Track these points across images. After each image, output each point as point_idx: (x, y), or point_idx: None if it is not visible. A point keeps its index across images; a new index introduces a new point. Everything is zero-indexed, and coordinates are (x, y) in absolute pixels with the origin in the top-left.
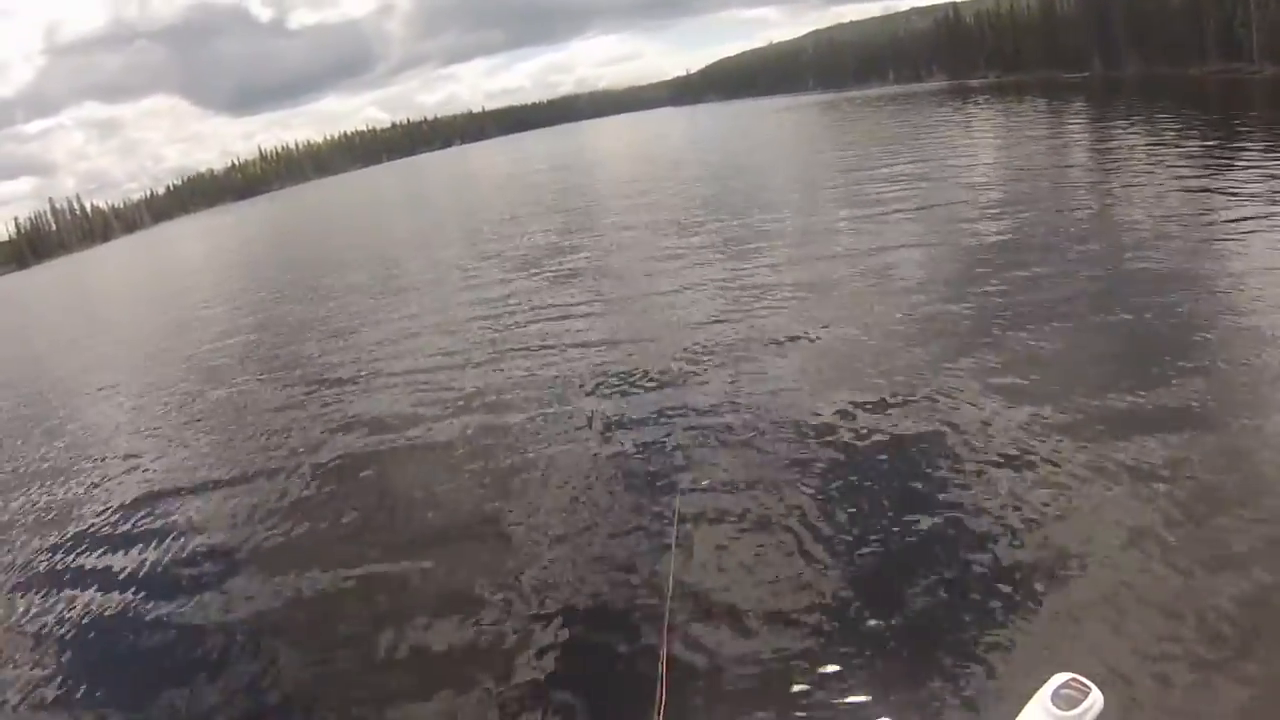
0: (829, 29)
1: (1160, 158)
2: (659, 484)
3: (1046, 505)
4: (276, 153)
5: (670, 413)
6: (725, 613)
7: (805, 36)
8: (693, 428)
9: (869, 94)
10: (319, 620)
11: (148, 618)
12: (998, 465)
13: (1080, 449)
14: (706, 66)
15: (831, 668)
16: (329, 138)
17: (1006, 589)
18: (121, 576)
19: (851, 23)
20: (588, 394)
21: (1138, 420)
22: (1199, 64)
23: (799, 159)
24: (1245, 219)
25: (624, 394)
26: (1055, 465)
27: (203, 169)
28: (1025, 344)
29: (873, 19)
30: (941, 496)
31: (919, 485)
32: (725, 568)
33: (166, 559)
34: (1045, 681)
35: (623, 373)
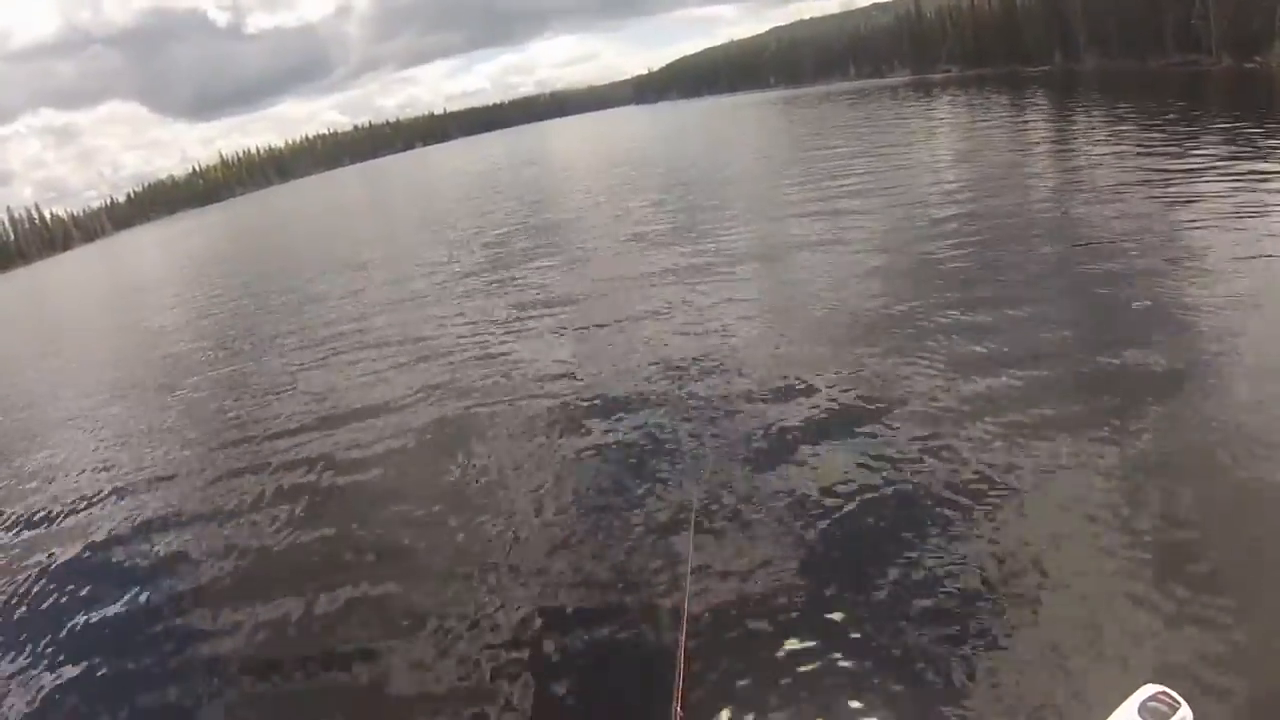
0: (790, 25)
1: (1117, 145)
2: (673, 483)
3: (1105, 508)
4: (238, 158)
5: (674, 409)
6: (747, 609)
7: (766, 34)
8: (700, 424)
9: (831, 89)
10: (318, 627)
11: (112, 643)
12: (1055, 468)
13: (1142, 452)
14: (668, 65)
15: (881, 673)
16: (290, 142)
17: (1085, 591)
18: (81, 597)
19: (812, 19)
20: (586, 396)
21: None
22: (1158, 57)
23: (760, 150)
24: (1200, 199)
25: (630, 390)
26: (1119, 465)
27: (163, 175)
28: (1024, 335)
29: (834, 16)
30: (984, 495)
31: (959, 482)
32: (747, 564)
33: (131, 580)
34: (1131, 693)
35: (621, 370)
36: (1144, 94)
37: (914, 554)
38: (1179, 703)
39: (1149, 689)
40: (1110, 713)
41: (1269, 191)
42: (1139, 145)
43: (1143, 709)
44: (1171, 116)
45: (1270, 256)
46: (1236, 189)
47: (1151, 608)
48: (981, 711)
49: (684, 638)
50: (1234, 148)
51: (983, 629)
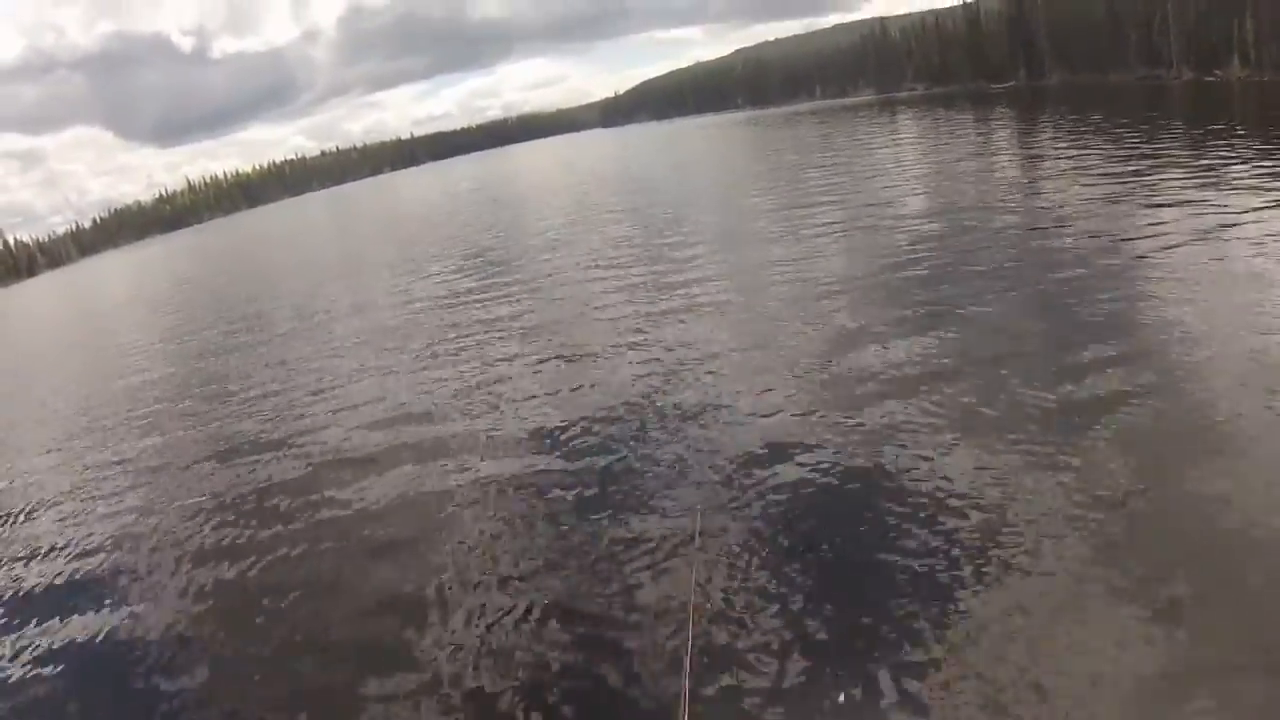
0: (756, 47)
1: (1081, 154)
2: (673, 501)
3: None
4: (205, 183)
5: (665, 427)
6: (753, 623)
7: (732, 55)
8: (696, 444)
9: (798, 109)
10: (319, 650)
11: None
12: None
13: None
14: (635, 87)
15: (908, 694)
16: (257, 167)
17: (1136, 614)
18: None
19: (777, 40)
20: (575, 417)
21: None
22: (1120, 71)
23: (727, 170)
24: (1163, 209)
25: (620, 410)
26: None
27: (129, 201)
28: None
29: (799, 36)
30: (1002, 503)
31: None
32: (752, 577)
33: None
34: None
35: (600, 398)
36: (1107, 107)
37: (935, 568)
38: None
39: None
40: None
41: (1228, 195)
42: (1102, 154)
43: None
44: (1134, 128)
45: (1227, 256)
46: (1197, 194)
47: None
48: None
49: (690, 652)
50: (1195, 155)
51: (1023, 647)
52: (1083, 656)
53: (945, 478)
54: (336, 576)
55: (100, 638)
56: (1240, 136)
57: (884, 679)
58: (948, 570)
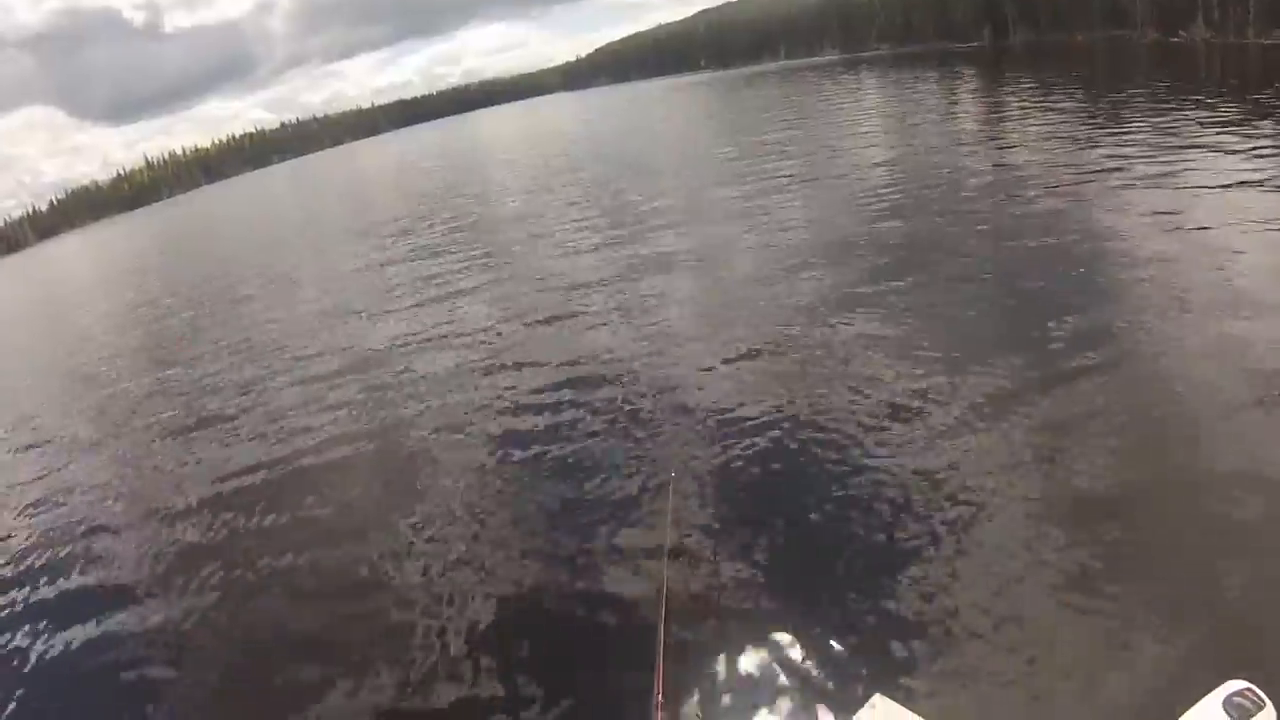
0: (719, 8)
1: (1044, 118)
2: (647, 471)
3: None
4: (163, 160)
5: (637, 396)
6: (726, 593)
7: (695, 17)
8: (669, 411)
9: (761, 69)
10: (308, 628)
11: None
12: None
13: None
14: (596, 50)
15: (888, 659)
16: (217, 142)
17: (1166, 576)
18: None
19: (742, 0)
20: (547, 389)
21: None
22: (1085, 31)
23: (688, 131)
24: (1125, 171)
25: (593, 377)
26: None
27: (86, 181)
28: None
29: None
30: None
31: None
32: (725, 548)
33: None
34: (1215, 687)
35: (576, 363)
36: (1072, 68)
37: (906, 525)
38: (1264, 701)
39: (1233, 684)
40: (1192, 706)
41: (1192, 158)
42: (1065, 115)
43: (1227, 704)
44: (1099, 89)
45: (1190, 223)
46: (1161, 156)
47: (1240, 598)
48: (1047, 703)
49: (664, 623)
50: (1161, 114)
51: (1030, 612)
52: (1043, 618)
53: (915, 436)
54: (308, 552)
55: (73, 629)
56: (1201, 100)
57: (854, 633)
58: (919, 528)
